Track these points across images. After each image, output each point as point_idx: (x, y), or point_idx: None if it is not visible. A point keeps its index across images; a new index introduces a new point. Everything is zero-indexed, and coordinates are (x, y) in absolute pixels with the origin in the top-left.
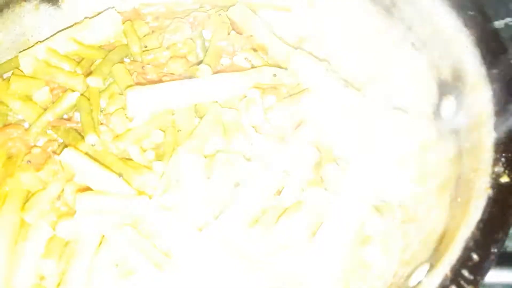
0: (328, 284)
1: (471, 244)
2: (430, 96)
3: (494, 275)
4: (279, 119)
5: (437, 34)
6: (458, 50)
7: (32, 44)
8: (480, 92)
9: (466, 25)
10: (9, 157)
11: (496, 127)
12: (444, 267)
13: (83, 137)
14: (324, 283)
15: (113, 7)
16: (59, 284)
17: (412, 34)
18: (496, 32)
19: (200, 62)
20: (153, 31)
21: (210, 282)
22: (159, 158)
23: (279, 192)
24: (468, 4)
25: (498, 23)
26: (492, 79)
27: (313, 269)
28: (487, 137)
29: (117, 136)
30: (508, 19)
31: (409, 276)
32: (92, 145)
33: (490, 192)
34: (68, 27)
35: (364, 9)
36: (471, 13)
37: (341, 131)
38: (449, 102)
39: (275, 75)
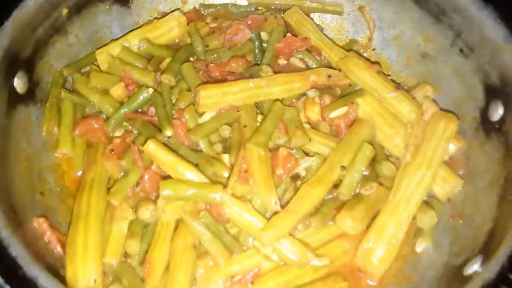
0: (382, 271)
1: None
2: (477, 99)
3: None
4: (334, 117)
5: (485, 42)
6: (506, 58)
7: (105, 41)
8: None
9: None
10: (88, 146)
11: None
12: (500, 259)
13: (158, 130)
14: (379, 270)
15: (179, 9)
16: (142, 262)
17: (460, 40)
18: None
19: (257, 62)
20: (213, 32)
21: (274, 265)
22: (225, 151)
23: (337, 187)
24: None
25: None
26: None
27: (368, 257)
28: None
29: (190, 130)
30: None
31: (462, 266)
32: (169, 137)
33: None
34: (139, 27)
35: (413, 14)
36: None
37: (392, 130)
38: (496, 106)
39: (330, 76)
